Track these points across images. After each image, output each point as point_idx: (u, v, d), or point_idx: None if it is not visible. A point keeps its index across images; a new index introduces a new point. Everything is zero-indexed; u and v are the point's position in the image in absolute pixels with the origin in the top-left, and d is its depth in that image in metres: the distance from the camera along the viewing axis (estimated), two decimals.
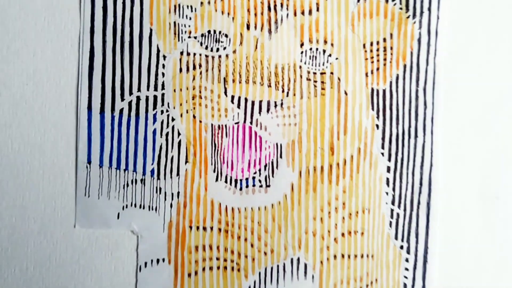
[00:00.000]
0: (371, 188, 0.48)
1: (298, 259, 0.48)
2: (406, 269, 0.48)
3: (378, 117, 0.48)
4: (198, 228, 0.47)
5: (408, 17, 0.47)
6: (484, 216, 0.48)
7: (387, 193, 0.48)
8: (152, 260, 0.47)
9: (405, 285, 0.48)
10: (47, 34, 0.46)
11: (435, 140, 0.48)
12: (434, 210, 0.48)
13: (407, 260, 0.48)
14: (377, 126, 0.48)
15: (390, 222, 0.48)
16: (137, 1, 0.46)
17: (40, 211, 0.46)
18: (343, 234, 0.48)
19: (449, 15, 0.48)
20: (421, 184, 0.48)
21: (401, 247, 0.48)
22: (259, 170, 0.47)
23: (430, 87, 0.48)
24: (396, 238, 0.48)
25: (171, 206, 0.47)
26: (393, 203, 0.48)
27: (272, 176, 0.47)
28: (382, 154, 0.48)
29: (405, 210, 0.48)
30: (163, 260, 0.47)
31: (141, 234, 0.47)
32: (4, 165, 0.46)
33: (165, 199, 0.47)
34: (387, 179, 0.48)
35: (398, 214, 0.48)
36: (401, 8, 0.47)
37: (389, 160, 0.48)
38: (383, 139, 0.48)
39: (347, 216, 0.48)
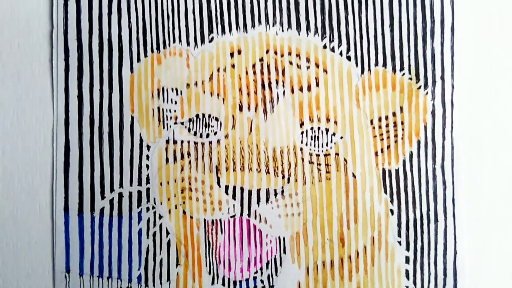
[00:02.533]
0: (389, 282, 0.42)
1: None
2: None
3: (392, 201, 0.43)
4: None
5: (419, 87, 0.43)
6: None
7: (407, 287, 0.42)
8: None
9: None
10: (17, 129, 0.42)
11: (458, 224, 0.43)
12: None
13: None
14: (392, 211, 0.42)
15: None
16: (116, 87, 0.42)
17: None
18: None
19: (464, 84, 0.43)
20: (445, 275, 0.42)
21: None
22: (261, 269, 0.42)
23: (449, 164, 0.43)
24: None
25: None
26: None
27: (276, 275, 0.42)
28: (399, 242, 0.43)
29: None
30: None
31: None
32: None
33: None
34: (407, 271, 0.42)
35: None
36: (410, 79, 0.43)
37: (408, 249, 0.42)
38: (399, 225, 0.42)
39: None
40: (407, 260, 0.43)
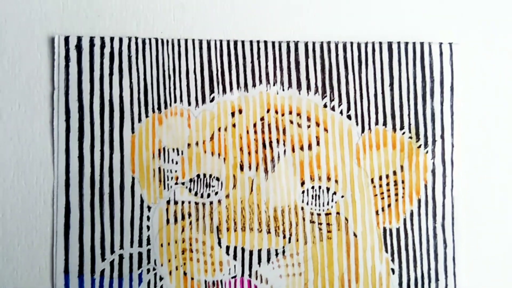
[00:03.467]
0: None
1: None
2: None
3: (393, 260, 0.42)
4: None
5: (419, 146, 0.43)
6: None
7: None
8: None
9: None
10: (17, 190, 0.41)
11: (458, 282, 0.42)
12: None
13: None
14: (393, 270, 0.42)
15: None
16: (117, 148, 0.42)
17: None
18: None
19: (464, 142, 0.43)
20: None
21: None
22: None
23: (449, 222, 0.43)
24: None
25: None
26: None
27: None
28: None
29: None
30: None
31: None
32: None
33: None
34: None
35: None
36: (411, 137, 0.43)
37: None
38: (400, 285, 0.42)
39: None
40: None
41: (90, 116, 0.42)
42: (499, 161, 0.43)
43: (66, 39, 0.42)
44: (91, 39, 0.42)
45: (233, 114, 0.42)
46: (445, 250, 0.43)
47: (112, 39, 0.42)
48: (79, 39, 0.42)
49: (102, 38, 0.42)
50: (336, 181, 0.42)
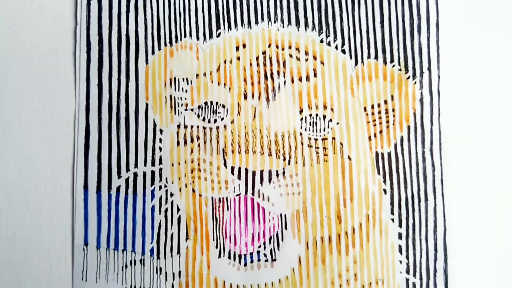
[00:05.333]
0: (383, 257, 0.45)
1: None
2: None
3: (385, 182, 0.46)
4: None
5: (408, 78, 0.46)
6: (509, 279, 0.45)
7: (400, 262, 0.45)
8: None
9: None
10: (42, 115, 0.45)
11: (447, 202, 0.45)
12: (452, 277, 0.45)
13: None
14: (385, 190, 0.46)
15: None
16: (132, 77, 0.46)
17: None
18: None
19: (450, 74, 0.47)
20: (436, 250, 0.45)
21: None
22: (264, 243, 0.45)
23: (437, 148, 0.46)
24: None
25: (172, 286, 0.45)
26: (407, 272, 0.45)
27: (278, 249, 0.45)
28: (392, 220, 0.45)
29: (421, 279, 0.45)
30: None
31: None
32: None
33: (166, 280, 0.45)
34: (400, 246, 0.45)
35: (414, 284, 0.45)
36: (400, 70, 0.46)
37: (400, 226, 0.45)
38: (392, 204, 0.46)
39: None
40: (400, 236, 0.45)
41: (108, 49, 0.46)
42: (484, 89, 0.47)
43: None
44: None
45: (237, 48, 0.46)
46: (434, 173, 0.46)
47: None
48: None
49: None
50: (332, 109, 0.46)
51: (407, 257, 0.45)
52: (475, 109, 0.47)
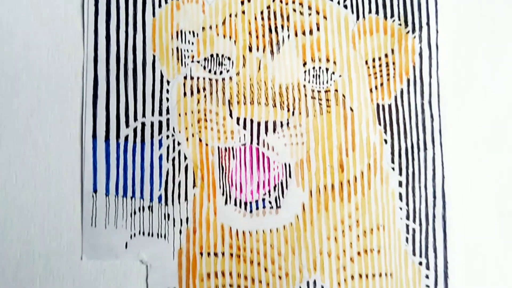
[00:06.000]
0: (384, 203, 0.47)
1: (315, 282, 0.46)
2: (427, 286, 0.46)
3: (385, 132, 0.47)
4: (209, 254, 0.46)
5: (407, 32, 0.48)
6: (504, 225, 0.47)
7: (401, 208, 0.47)
8: None
9: None
10: (51, 66, 0.46)
11: (445, 152, 0.47)
12: (450, 223, 0.46)
13: (427, 276, 0.46)
14: (385, 141, 0.47)
15: (407, 238, 0.46)
16: (140, 29, 0.47)
17: (45, 245, 0.45)
18: (359, 253, 0.46)
19: (448, 28, 0.48)
20: (434, 197, 0.47)
21: (420, 263, 0.46)
22: (269, 191, 0.46)
23: (436, 99, 0.48)
24: (414, 254, 0.46)
25: (180, 232, 0.46)
26: (407, 218, 0.47)
27: (283, 197, 0.46)
28: (393, 168, 0.47)
29: (420, 224, 0.46)
30: None
31: (150, 263, 0.45)
32: (9, 200, 0.45)
33: (174, 226, 0.46)
34: (400, 193, 0.47)
35: (414, 229, 0.46)
36: (400, 24, 0.48)
37: (400, 174, 0.47)
38: (392, 153, 0.47)
39: (362, 234, 0.46)
40: (400, 184, 0.47)
41: (116, 1, 0.47)
42: (480, 43, 0.49)
43: None
44: None
45: (242, 2, 0.48)
46: (432, 124, 0.47)
47: None
48: None
49: None
50: (335, 62, 0.47)
51: (407, 204, 0.47)
52: (472, 62, 0.48)
